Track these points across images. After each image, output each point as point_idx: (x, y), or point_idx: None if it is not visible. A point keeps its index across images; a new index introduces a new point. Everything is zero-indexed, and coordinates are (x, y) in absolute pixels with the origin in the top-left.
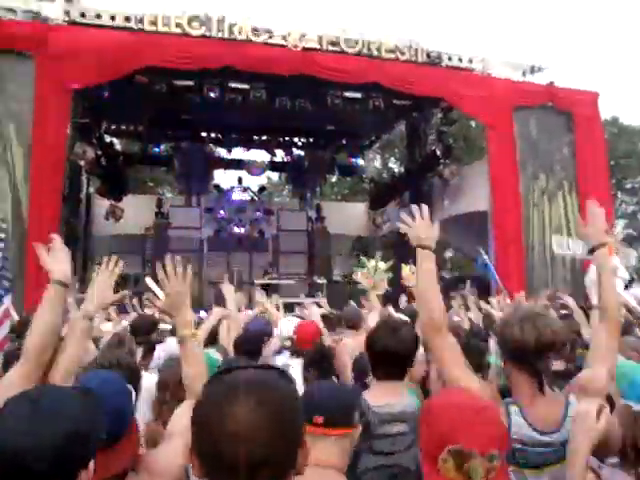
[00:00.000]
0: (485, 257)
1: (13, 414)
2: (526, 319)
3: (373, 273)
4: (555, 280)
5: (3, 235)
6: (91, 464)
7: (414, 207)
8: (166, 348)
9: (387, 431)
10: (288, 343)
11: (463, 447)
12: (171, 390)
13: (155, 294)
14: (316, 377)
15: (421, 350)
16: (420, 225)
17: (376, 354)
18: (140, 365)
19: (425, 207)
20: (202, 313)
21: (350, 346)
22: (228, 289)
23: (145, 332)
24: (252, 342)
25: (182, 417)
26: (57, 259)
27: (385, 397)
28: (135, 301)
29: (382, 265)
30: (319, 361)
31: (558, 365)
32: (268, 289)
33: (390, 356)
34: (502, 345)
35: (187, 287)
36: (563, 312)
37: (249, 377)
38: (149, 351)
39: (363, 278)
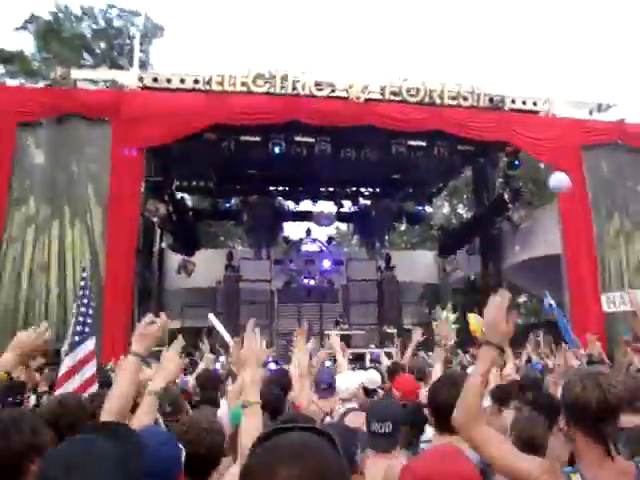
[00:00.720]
0: (551, 300)
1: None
2: (588, 378)
3: (448, 324)
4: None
5: (84, 283)
6: None
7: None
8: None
9: None
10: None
11: None
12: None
13: (219, 331)
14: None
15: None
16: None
17: (436, 407)
18: None
19: (506, 294)
20: (272, 365)
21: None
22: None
23: (211, 388)
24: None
25: None
26: (144, 334)
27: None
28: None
29: (451, 316)
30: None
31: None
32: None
33: (450, 409)
34: (565, 406)
35: (259, 350)
36: None
37: (295, 443)
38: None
39: (442, 328)
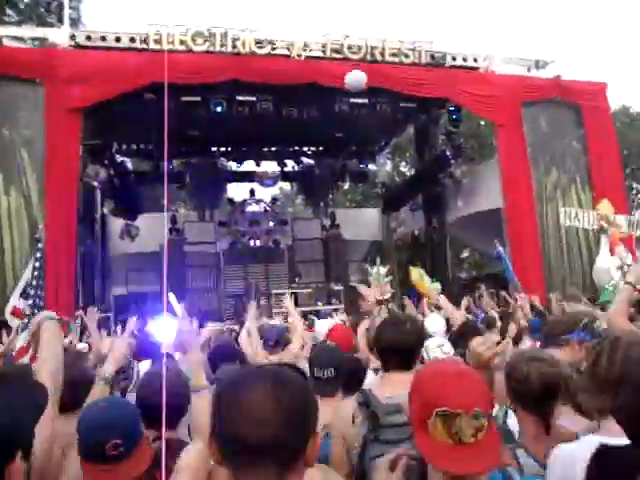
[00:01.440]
0: (500, 249)
1: None
2: (531, 363)
3: (379, 280)
4: (573, 274)
5: (39, 255)
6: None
7: None
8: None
9: (393, 421)
10: None
11: (449, 408)
12: None
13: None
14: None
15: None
16: None
17: (382, 348)
18: None
19: None
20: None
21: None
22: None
23: None
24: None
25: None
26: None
27: (391, 388)
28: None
29: (382, 270)
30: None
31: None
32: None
33: (394, 349)
34: (509, 387)
35: None
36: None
37: (267, 369)
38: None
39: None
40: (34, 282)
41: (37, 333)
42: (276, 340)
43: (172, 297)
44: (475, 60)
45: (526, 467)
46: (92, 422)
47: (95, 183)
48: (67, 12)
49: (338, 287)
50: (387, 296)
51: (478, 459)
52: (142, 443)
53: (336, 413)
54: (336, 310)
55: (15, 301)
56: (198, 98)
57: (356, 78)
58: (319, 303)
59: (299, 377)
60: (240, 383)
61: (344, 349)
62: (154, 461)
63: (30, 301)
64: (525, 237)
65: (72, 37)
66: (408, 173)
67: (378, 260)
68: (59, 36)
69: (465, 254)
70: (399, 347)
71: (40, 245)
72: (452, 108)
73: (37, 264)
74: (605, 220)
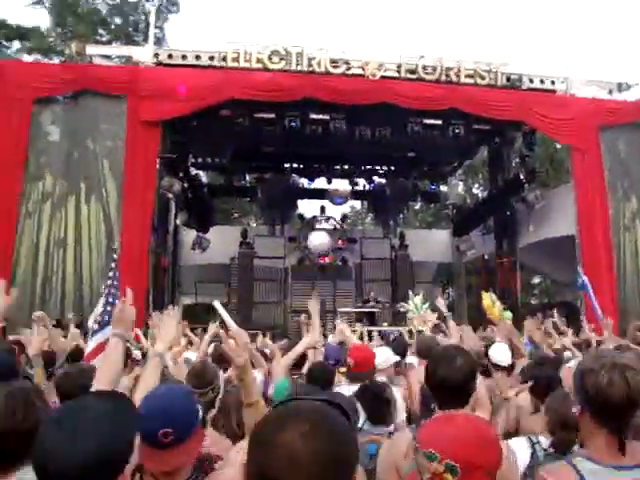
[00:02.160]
0: (584, 277)
1: (51, 436)
2: (614, 370)
3: (416, 310)
4: None
5: (115, 264)
6: (127, 467)
7: None
8: None
9: None
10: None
11: (416, 442)
12: (229, 413)
13: (223, 319)
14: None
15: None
16: None
17: (433, 384)
18: None
19: None
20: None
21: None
22: (314, 308)
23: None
24: (325, 372)
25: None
26: (120, 317)
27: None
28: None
29: (417, 299)
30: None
31: None
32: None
33: (446, 385)
34: (581, 393)
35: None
36: None
37: (307, 407)
38: None
39: (417, 322)
40: (109, 290)
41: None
42: (336, 359)
43: (218, 305)
44: (553, 82)
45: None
46: (149, 409)
47: (170, 195)
48: (152, 31)
49: (404, 309)
50: (429, 324)
51: None
52: (196, 434)
53: (391, 444)
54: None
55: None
56: (272, 115)
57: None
58: (384, 324)
59: (342, 418)
60: (275, 422)
61: (363, 369)
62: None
63: (104, 308)
64: (599, 266)
65: (155, 55)
66: (480, 195)
67: (415, 292)
68: (143, 54)
69: (536, 280)
70: (450, 383)
71: (115, 256)
72: (526, 131)
73: (111, 273)
74: None
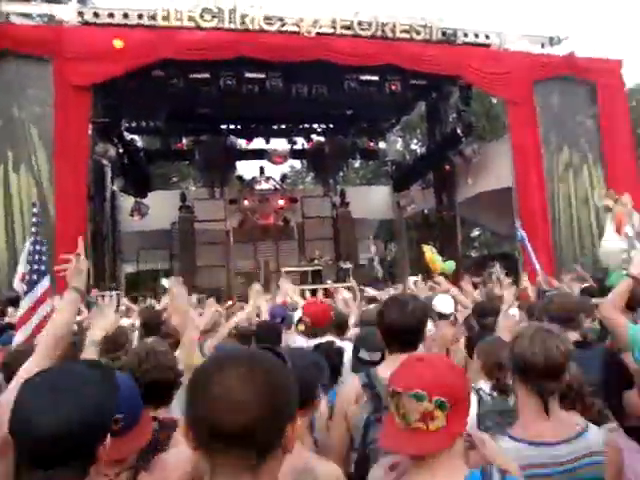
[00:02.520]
0: (522, 231)
1: (34, 397)
2: (536, 337)
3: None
4: (583, 253)
5: (36, 220)
6: (107, 439)
7: None
8: None
9: None
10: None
11: (395, 387)
12: None
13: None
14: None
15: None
16: None
17: (385, 329)
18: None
19: None
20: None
21: None
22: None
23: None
24: (271, 330)
25: None
26: (78, 268)
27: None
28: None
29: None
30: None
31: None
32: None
33: (397, 330)
34: (513, 362)
35: None
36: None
37: (243, 352)
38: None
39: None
40: (35, 247)
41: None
42: (282, 316)
43: (166, 282)
44: (487, 37)
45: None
46: None
47: (105, 161)
48: None
49: (347, 265)
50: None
51: (420, 444)
52: (143, 418)
53: (338, 393)
54: (349, 288)
55: (22, 269)
56: (207, 75)
57: None
58: (328, 281)
59: (278, 361)
60: (214, 366)
61: (320, 324)
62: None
63: (30, 267)
64: (536, 216)
65: (79, 14)
66: (419, 151)
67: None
68: (66, 13)
69: (476, 233)
70: (402, 328)
71: (35, 210)
72: (463, 86)
73: (34, 229)
74: (611, 198)
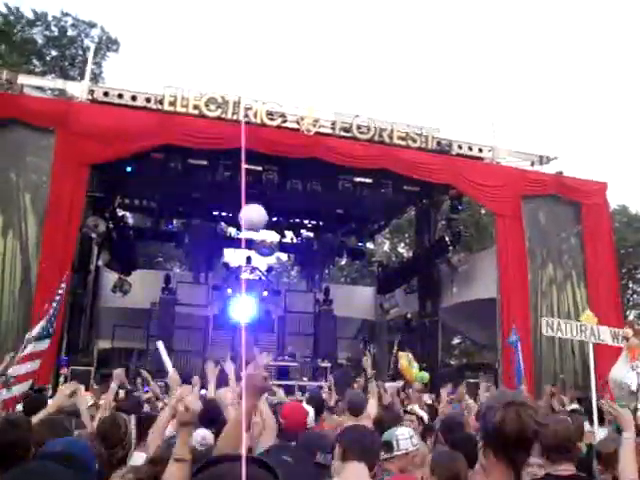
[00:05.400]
0: (518, 335)
1: None
2: (509, 407)
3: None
4: (565, 370)
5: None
6: None
7: None
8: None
9: None
10: None
11: None
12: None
13: (164, 360)
14: None
15: None
16: None
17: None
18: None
19: None
20: (203, 391)
21: None
22: (212, 370)
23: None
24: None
25: None
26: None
27: None
28: (139, 381)
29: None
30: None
31: (566, 469)
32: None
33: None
34: (482, 429)
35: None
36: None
37: (231, 470)
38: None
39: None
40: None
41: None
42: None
43: (160, 345)
44: (480, 150)
45: None
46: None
47: (93, 235)
48: (89, 67)
49: (325, 364)
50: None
51: None
52: None
53: None
54: (321, 387)
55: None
56: (205, 162)
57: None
58: (304, 378)
59: (270, 477)
60: None
61: (295, 428)
62: None
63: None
64: (518, 329)
65: (90, 92)
66: (406, 255)
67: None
68: (77, 89)
69: (456, 341)
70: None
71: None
72: (454, 195)
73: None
74: (632, 329)
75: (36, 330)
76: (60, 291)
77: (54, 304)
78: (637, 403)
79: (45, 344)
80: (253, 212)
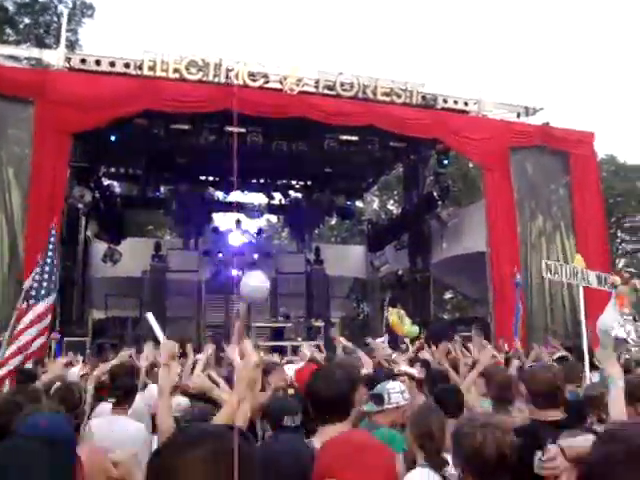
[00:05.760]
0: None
1: None
2: (484, 429)
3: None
4: (554, 321)
5: (53, 240)
6: None
7: None
8: (147, 395)
9: None
10: (291, 391)
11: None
12: None
13: (155, 332)
14: None
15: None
16: None
17: (313, 401)
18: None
19: None
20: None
21: None
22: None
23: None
24: None
25: None
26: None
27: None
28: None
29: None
30: None
31: (553, 415)
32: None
33: (325, 400)
34: (459, 454)
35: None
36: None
37: (207, 433)
38: (125, 396)
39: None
40: (46, 266)
41: None
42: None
43: (150, 316)
44: (466, 104)
45: None
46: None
47: (80, 205)
48: (64, 34)
49: (319, 323)
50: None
51: None
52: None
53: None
54: (318, 346)
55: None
56: (188, 127)
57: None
58: (299, 338)
59: (245, 442)
60: (175, 448)
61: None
62: None
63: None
64: (508, 281)
65: (67, 59)
66: (395, 212)
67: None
68: (54, 57)
69: (448, 295)
70: (331, 398)
71: (52, 239)
72: (440, 150)
73: (51, 248)
74: (622, 278)
75: (29, 283)
76: (52, 239)
77: (49, 256)
78: (621, 350)
79: (51, 300)
80: (254, 280)
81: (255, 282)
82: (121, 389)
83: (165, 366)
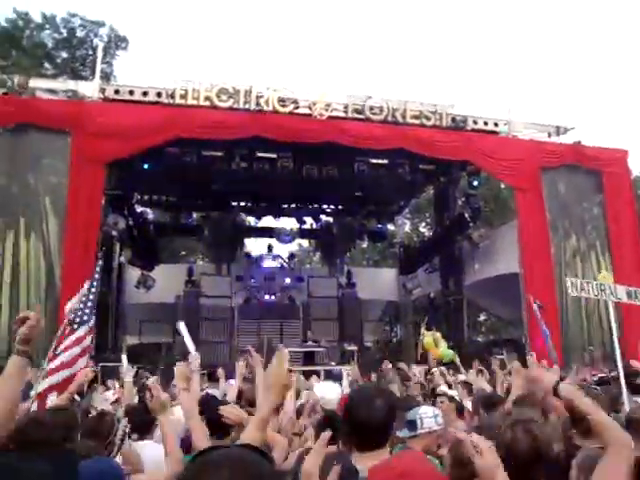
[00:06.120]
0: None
1: None
2: (518, 427)
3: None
4: (591, 341)
5: (98, 269)
6: None
7: None
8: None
9: None
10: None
11: None
12: None
13: (186, 340)
14: None
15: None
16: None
17: (352, 427)
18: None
19: None
20: (232, 381)
21: None
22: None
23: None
24: None
25: None
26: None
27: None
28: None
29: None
30: None
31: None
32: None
33: (363, 426)
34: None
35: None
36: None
37: (228, 454)
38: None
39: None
40: (91, 289)
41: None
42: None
43: (182, 325)
44: (496, 124)
45: None
46: None
47: (114, 232)
48: (99, 66)
49: (351, 347)
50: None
51: None
52: None
53: None
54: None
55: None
56: (220, 153)
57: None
58: (332, 362)
59: (263, 463)
60: (196, 472)
61: None
62: None
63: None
64: (543, 303)
65: (101, 90)
66: (426, 234)
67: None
68: (89, 89)
69: (482, 317)
70: (373, 426)
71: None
72: (471, 171)
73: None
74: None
75: (73, 308)
76: (97, 268)
77: (94, 285)
78: None
79: (90, 324)
80: (328, 390)
81: (331, 395)
82: (140, 427)
83: (184, 390)
